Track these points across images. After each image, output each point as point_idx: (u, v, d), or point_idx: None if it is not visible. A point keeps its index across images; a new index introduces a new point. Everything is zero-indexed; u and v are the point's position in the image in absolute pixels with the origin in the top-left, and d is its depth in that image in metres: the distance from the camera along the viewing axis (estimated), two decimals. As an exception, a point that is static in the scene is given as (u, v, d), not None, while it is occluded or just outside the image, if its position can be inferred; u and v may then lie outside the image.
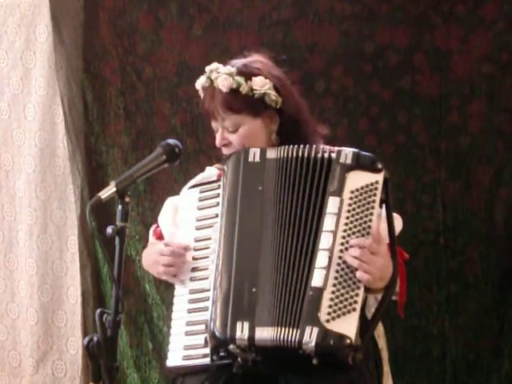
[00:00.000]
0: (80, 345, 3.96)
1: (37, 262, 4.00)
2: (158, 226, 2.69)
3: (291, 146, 2.40)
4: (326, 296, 2.23)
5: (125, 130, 3.96)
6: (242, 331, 2.24)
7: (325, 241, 2.28)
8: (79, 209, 3.94)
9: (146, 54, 3.96)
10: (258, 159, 2.40)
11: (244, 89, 2.48)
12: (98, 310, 2.15)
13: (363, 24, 3.92)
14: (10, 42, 4.02)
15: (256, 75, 2.51)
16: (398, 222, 2.50)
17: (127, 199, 2.18)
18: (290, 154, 2.38)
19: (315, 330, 2.20)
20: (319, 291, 2.24)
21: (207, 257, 2.41)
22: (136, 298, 3.91)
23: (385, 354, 2.56)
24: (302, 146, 2.39)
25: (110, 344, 2.12)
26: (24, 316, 4.03)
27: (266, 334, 2.24)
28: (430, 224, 3.93)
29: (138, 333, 3.96)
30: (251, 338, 2.23)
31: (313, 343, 2.19)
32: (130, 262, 3.79)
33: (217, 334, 2.26)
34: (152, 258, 2.54)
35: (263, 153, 2.41)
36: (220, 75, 2.50)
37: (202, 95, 2.58)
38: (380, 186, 2.33)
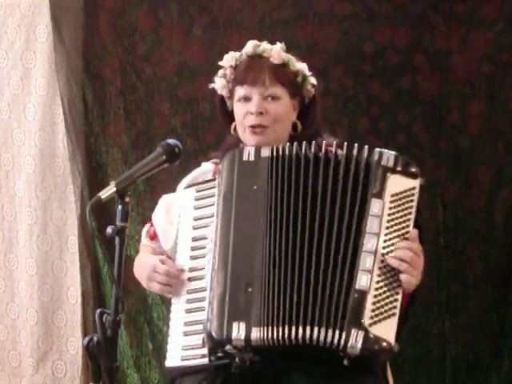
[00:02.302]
0: (80, 345, 3.96)
1: (37, 262, 4.00)
2: (151, 226, 2.67)
3: (287, 145, 2.39)
4: (370, 299, 2.21)
5: (125, 130, 3.96)
6: (238, 331, 2.23)
7: (369, 243, 2.25)
8: (79, 209, 3.94)
9: (146, 54, 3.96)
10: (252, 158, 2.39)
11: (293, 65, 2.57)
12: (98, 310, 2.14)
13: (363, 24, 3.92)
14: (10, 42, 4.02)
15: (301, 63, 2.61)
16: None
17: (127, 199, 2.18)
18: (285, 153, 2.36)
19: (361, 334, 2.18)
20: (364, 294, 2.22)
21: (205, 256, 2.40)
22: (136, 298, 3.91)
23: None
24: (296, 143, 2.38)
25: (110, 344, 2.12)
26: (24, 316, 4.03)
27: (261, 334, 2.22)
28: (430, 224, 3.92)
29: (138, 333, 3.96)
30: (248, 338, 2.23)
31: (358, 347, 2.18)
32: (130, 262, 3.75)
33: (213, 334, 2.25)
34: (146, 273, 2.52)
35: (257, 151, 2.39)
36: (274, 47, 2.57)
37: (239, 64, 2.57)
38: (417, 193, 2.32)
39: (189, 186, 2.54)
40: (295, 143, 2.38)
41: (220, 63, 2.60)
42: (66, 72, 3.91)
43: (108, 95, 3.96)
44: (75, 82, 3.93)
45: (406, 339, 3.87)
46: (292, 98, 2.56)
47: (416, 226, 2.32)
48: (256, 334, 2.23)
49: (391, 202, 2.29)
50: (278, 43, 2.59)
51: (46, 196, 4.00)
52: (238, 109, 2.55)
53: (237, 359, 2.26)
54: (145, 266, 2.54)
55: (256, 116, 2.50)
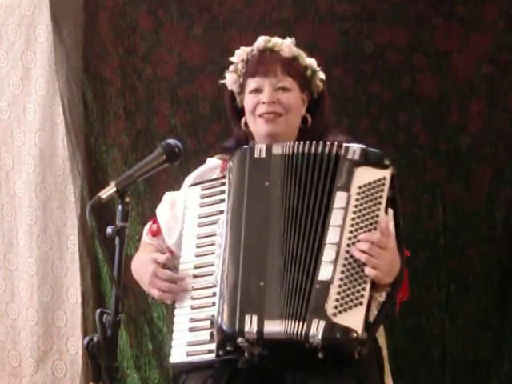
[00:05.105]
0: (80, 345, 3.96)
1: (37, 262, 4.00)
2: (154, 222, 2.68)
3: (297, 142, 2.41)
4: (333, 290, 2.24)
5: (125, 129, 3.96)
6: (250, 324, 2.25)
7: (332, 235, 2.29)
8: (79, 209, 3.94)
9: (146, 54, 3.97)
10: (264, 155, 2.42)
11: (302, 60, 2.60)
12: (98, 310, 2.15)
13: (363, 24, 3.92)
14: (10, 42, 4.02)
15: (310, 58, 2.64)
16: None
17: (127, 199, 2.19)
18: (296, 150, 2.40)
19: (322, 323, 2.22)
20: (326, 285, 2.25)
21: (210, 253, 2.42)
22: (136, 298, 3.91)
23: (385, 353, 2.57)
24: (307, 142, 2.41)
25: (110, 344, 2.13)
26: (24, 316, 4.03)
27: (274, 327, 2.25)
28: (430, 224, 3.92)
29: (138, 333, 3.96)
30: (260, 331, 2.24)
31: (319, 336, 2.21)
32: (130, 262, 3.78)
33: (224, 327, 2.27)
34: (146, 278, 2.52)
35: (269, 149, 2.43)
36: (284, 41, 2.60)
37: (250, 58, 2.60)
38: (387, 182, 2.35)
39: (194, 184, 2.55)
40: (301, 142, 2.40)
41: (231, 59, 2.63)
42: (65, 72, 3.91)
43: (108, 95, 3.96)
44: (75, 82, 3.93)
45: (406, 339, 3.88)
46: (301, 91, 2.59)
47: (395, 220, 2.36)
48: (268, 326, 2.25)
49: (358, 193, 2.33)
50: (287, 38, 2.62)
51: (46, 196, 4.00)
52: (249, 100, 2.58)
53: (246, 353, 2.27)
54: (144, 269, 2.54)
55: (268, 105, 2.53)
